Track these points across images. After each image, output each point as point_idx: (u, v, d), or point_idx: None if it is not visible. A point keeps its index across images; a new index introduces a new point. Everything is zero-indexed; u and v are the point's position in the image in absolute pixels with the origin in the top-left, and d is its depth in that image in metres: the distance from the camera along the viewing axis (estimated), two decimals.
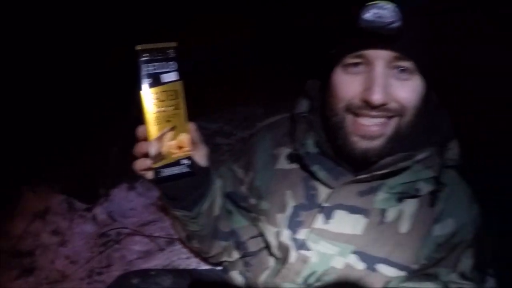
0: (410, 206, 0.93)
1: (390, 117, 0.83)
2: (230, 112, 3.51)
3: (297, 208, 0.97)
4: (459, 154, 0.95)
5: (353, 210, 0.93)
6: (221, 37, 3.81)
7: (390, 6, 0.73)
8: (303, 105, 1.00)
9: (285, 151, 1.03)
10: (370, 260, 0.92)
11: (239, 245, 1.14)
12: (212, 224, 1.04)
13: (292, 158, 1.00)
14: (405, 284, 0.94)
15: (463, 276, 0.97)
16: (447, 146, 0.94)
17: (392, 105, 0.81)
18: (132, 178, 2.40)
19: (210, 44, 3.76)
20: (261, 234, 1.08)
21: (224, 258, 1.18)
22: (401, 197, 0.92)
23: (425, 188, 0.91)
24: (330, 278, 0.94)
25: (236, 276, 1.15)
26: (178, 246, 1.86)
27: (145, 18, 3.56)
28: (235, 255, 1.15)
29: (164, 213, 1.64)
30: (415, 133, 0.88)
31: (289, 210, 0.98)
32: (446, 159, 0.93)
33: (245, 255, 1.14)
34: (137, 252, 1.90)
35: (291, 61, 3.37)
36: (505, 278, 1.81)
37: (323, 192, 0.96)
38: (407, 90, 0.81)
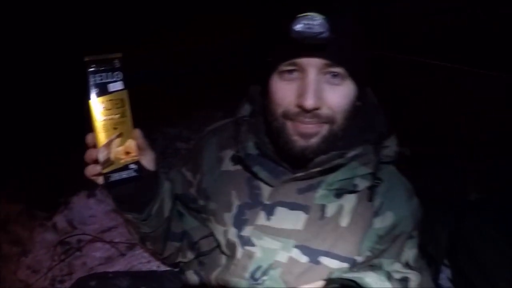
0: (349, 201, 0.99)
1: (322, 123, 0.90)
2: (189, 117, 3.61)
3: (242, 207, 1.03)
4: (396, 151, 1.02)
5: (293, 206, 0.98)
6: (221, 37, 3.85)
7: (318, 18, 0.80)
8: (245, 109, 1.06)
9: (230, 153, 1.07)
10: (313, 253, 0.98)
11: (192, 246, 1.18)
12: (163, 226, 1.08)
13: (235, 160, 1.06)
14: (349, 274, 1.00)
15: (407, 265, 1.05)
16: (383, 143, 1.01)
17: (324, 110, 0.87)
18: (91, 186, 2.45)
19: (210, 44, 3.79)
20: (212, 234, 1.13)
21: (179, 259, 1.22)
22: (339, 193, 0.98)
23: (362, 184, 0.97)
24: (275, 272, 1.00)
25: (191, 276, 1.21)
26: (138, 251, 1.93)
27: (144, 19, 3.58)
28: (189, 255, 1.20)
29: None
30: (350, 133, 0.96)
31: (234, 209, 1.02)
32: (383, 156, 1.00)
33: (198, 255, 1.19)
34: (99, 259, 1.96)
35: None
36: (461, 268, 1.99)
37: (266, 191, 1.01)
38: (338, 95, 0.88)
